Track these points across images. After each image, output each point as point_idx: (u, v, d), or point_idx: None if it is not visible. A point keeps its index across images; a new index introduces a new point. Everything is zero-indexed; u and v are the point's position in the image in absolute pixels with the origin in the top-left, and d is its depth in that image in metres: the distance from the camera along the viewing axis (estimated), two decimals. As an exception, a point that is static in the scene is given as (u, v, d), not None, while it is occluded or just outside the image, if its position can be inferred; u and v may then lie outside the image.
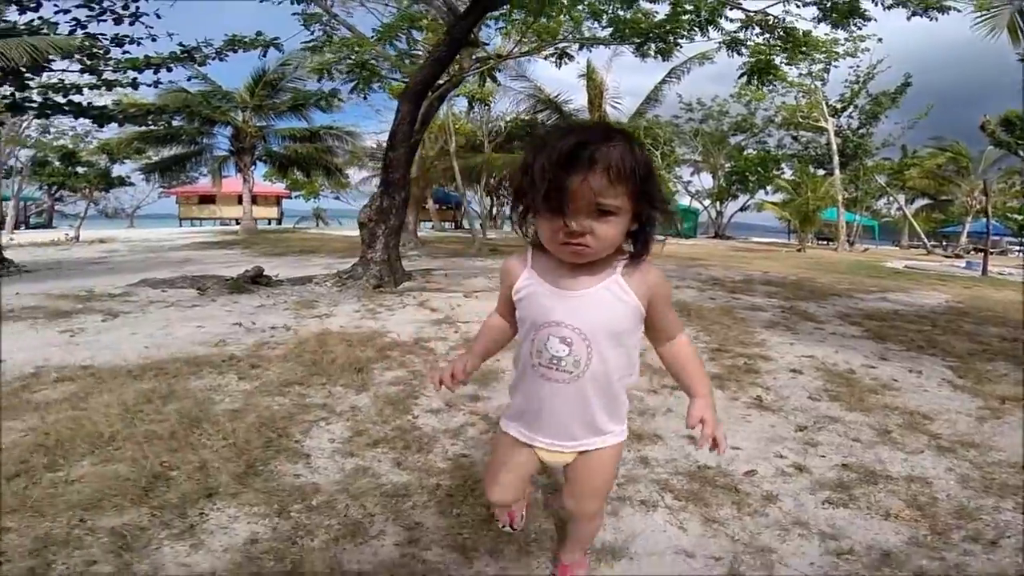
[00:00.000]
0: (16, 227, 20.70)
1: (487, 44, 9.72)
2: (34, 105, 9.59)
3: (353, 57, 7.06)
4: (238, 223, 26.53)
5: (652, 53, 7.43)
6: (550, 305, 1.07)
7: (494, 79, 13.44)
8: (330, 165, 23.11)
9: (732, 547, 1.55)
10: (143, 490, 1.67)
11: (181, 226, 26.96)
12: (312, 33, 8.19)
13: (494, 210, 28.95)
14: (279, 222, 29.20)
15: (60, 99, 9.72)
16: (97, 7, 8.85)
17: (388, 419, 2.33)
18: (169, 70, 10.72)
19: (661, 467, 1.99)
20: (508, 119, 19.47)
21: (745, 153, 22.02)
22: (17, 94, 9.22)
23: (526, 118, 18.36)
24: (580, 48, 8.63)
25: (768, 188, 22.44)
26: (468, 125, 18.60)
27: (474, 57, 8.85)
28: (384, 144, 18.86)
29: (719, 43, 7.24)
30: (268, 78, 19.66)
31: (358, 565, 1.41)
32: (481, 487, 1.80)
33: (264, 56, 15.33)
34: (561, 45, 8.25)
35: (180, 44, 10.39)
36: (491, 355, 1.33)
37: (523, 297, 1.13)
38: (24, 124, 19.11)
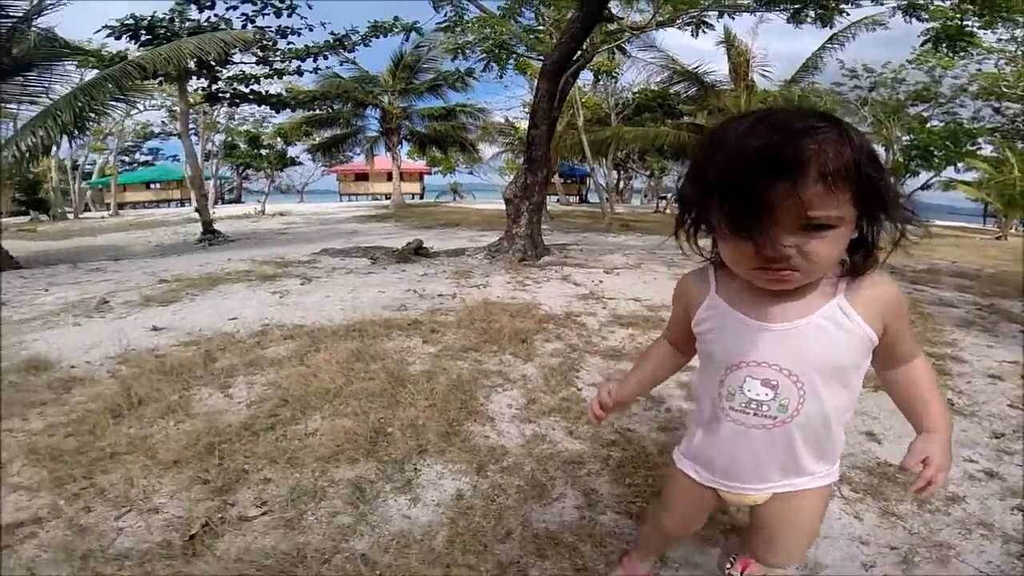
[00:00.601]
0: (214, 203, 24.97)
1: (620, 17, 9.34)
2: (226, 95, 11.40)
3: (491, 37, 7.21)
4: (387, 198, 29.26)
5: (810, 19, 6.61)
6: (747, 341, 0.86)
7: (623, 51, 12.93)
8: (464, 141, 24.29)
9: (908, 539, 1.52)
10: (369, 444, 1.96)
11: (341, 201, 30.46)
12: (444, 15, 8.52)
13: (620, 183, 28.20)
14: (421, 196, 31.60)
15: (244, 89, 11.44)
16: (260, 2, 10.15)
17: (555, 389, 2.51)
18: (325, 57, 12.09)
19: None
20: (636, 90, 18.65)
21: (929, 125, 18.60)
22: (212, 86, 11.02)
23: (656, 89, 17.42)
24: (720, 16, 7.96)
25: (959, 165, 18.81)
26: (594, 98, 18.19)
27: (604, 31, 8.61)
28: (511, 119, 19.03)
29: (892, 8, 6.19)
30: (406, 61, 20.97)
31: (545, 524, 1.57)
32: (650, 460, 1.92)
33: (407, 40, 16.38)
34: (698, 14, 7.67)
35: (332, 33, 11.62)
36: (655, 385, 1.17)
37: (708, 330, 0.93)
38: (216, 112, 22.60)
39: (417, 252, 6.12)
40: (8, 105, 8.23)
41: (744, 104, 13.48)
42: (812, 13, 6.47)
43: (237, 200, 30.25)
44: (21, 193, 20.84)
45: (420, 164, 31.74)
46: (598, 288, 4.76)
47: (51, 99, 7.69)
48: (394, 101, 21.36)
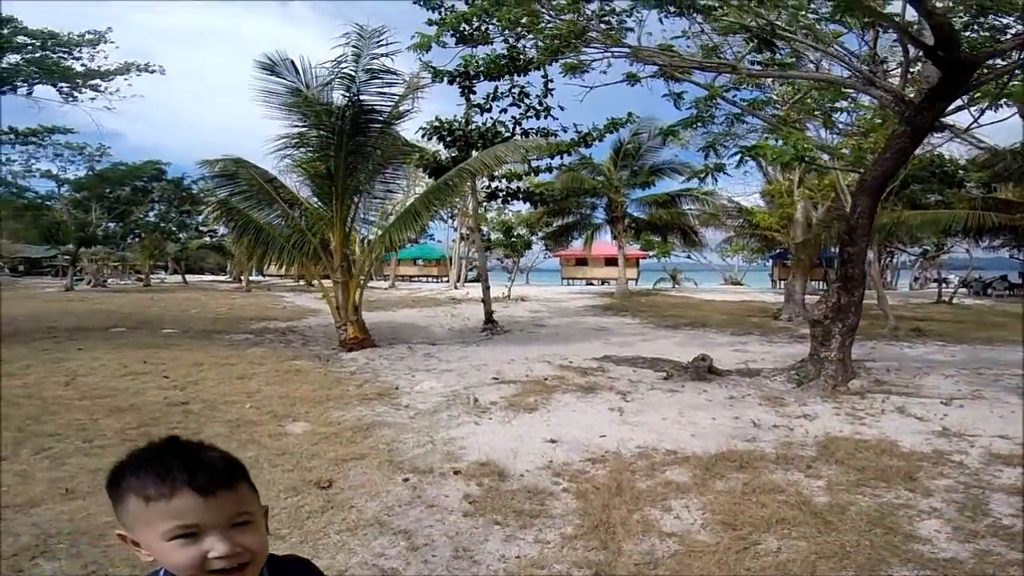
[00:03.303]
0: (458, 280, 29.31)
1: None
2: (501, 193, 13.73)
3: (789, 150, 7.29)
4: (603, 283, 30.82)
5: None
6: None
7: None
8: (685, 227, 24.69)
9: None
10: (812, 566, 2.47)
11: (562, 283, 33.22)
12: (690, 111, 8.99)
13: (882, 263, 24.82)
14: (636, 281, 32.63)
15: (513, 187, 13.62)
16: (523, 105, 12.16)
17: (974, 518, 2.77)
18: (569, 154, 13.89)
19: None
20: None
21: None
22: (491, 184, 13.42)
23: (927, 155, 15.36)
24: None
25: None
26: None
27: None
28: (737, 200, 18.52)
29: None
30: (626, 149, 22.54)
31: None
32: None
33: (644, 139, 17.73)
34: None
35: (576, 131, 13.33)
36: None
37: None
38: (491, 207, 26.32)
39: (710, 370, 6.50)
40: (374, 198, 10.39)
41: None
42: None
43: (477, 280, 35.29)
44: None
45: (634, 248, 32.94)
46: (943, 422, 4.66)
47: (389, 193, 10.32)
48: (620, 189, 23.02)
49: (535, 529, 2.90)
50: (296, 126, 9.24)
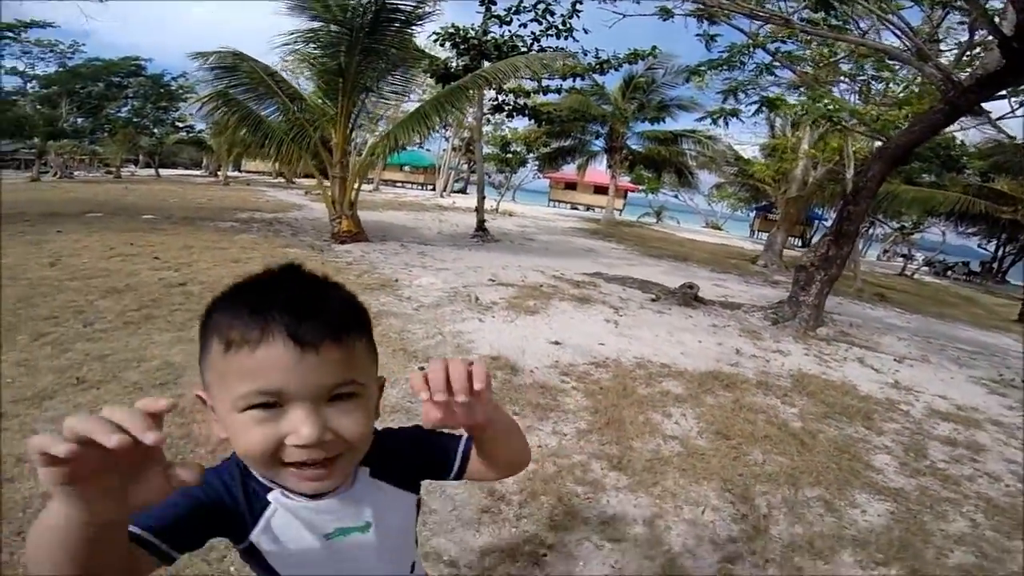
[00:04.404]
0: (444, 190, 28.89)
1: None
2: (509, 106, 13.37)
3: (817, 109, 7.28)
4: (588, 208, 30.82)
5: None
6: None
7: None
8: (681, 166, 24.64)
9: None
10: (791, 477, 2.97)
11: (549, 204, 33.22)
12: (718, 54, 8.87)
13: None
14: (621, 212, 32.84)
15: (521, 103, 13.26)
16: (545, 22, 11.70)
17: (917, 459, 3.23)
18: (583, 79, 13.50)
19: None
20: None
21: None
22: (499, 97, 13.06)
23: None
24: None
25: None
26: (867, 149, 17.10)
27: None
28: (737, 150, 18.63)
29: None
30: (637, 82, 21.89)
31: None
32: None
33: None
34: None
35: (595, 56, 12.93)
36: None
37: None
38: (495, 120, 25.46)
39: (696, 299, 6.96)
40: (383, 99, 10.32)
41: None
42: None
43: (462, 191, 34.77)
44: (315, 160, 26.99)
45: (625, 181, 32.83)
46: (897, 379, 5.23)
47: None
48: (620, 122, 22.58)
49: (551, 422, 3.25)
50: (315, 19, 8.75)
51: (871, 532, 2.54)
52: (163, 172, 28.61)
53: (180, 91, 25.59)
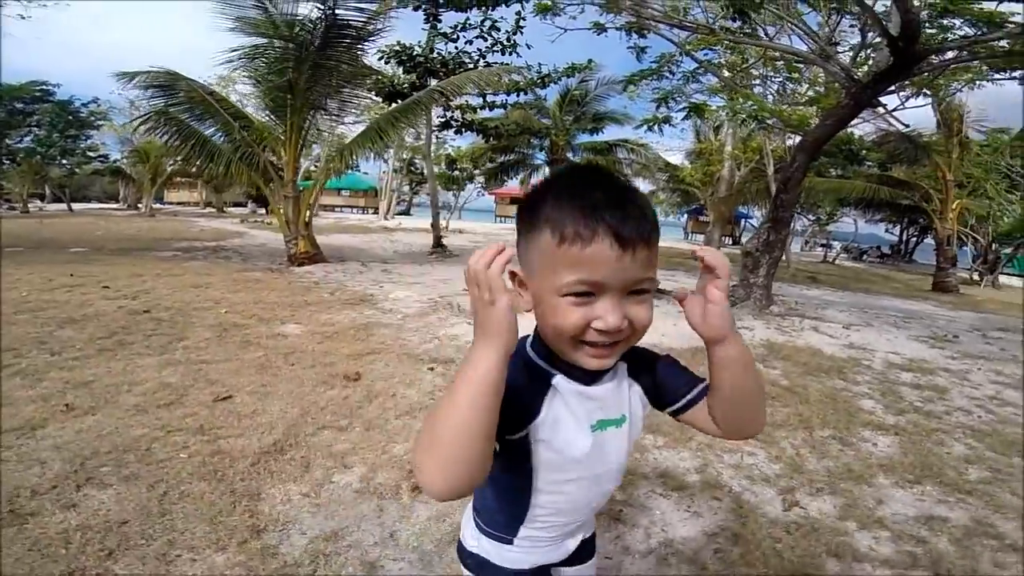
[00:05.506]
0: (387, 213, 28.62)
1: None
2: (456, 124, 13.49)
3: (742, 110, 7.95)
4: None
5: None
6: None
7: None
8: (618, 174, 25.67)
9: None
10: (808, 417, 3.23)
11: (496, 221, 33.57)
12: (648, 64, 9.50)
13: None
14: (565, 222, 33.85)
15: (468, 119, 13.44)
16: (490, 39, 12.00)
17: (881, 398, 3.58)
18: (526, 93, 13.94)
19: None
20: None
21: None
22: (447, 114, 13.18)
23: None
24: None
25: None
26: (782, 147, 18.57)
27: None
28: (665, 157, 19.84)
29: None
30: (573, 95, 22.81)
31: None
32: None
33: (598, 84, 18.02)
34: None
35: (537, 71, 13.39)
36: None
37: None
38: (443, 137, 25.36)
39: (659, 291, 7.32)
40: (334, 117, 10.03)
41: (956, 162, 13.22)
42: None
43: (406, 212, 34.41)
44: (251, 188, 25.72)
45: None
46: (852, 341, 5.70)
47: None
48: (560, 134, 23.35)
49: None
50: (260, 35, 8.54)
51: (890, 459, 2.82)
52: (75, 206, 26.63)
53: (92, 118, 24.05)
